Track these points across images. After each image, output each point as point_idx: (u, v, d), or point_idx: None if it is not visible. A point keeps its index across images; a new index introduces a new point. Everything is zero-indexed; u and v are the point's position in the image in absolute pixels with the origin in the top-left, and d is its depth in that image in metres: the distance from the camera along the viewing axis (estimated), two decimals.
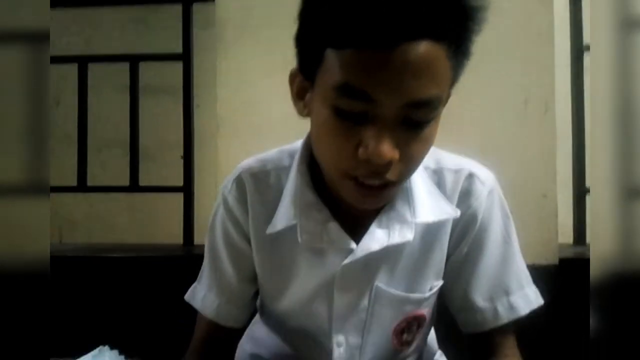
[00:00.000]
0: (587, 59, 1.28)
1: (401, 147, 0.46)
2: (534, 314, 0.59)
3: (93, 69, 1.41)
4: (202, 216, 1.36)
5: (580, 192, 1.28)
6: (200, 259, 0.66)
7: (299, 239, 0.55)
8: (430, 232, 0.57)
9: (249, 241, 0.60)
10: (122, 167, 1.42)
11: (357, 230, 0.55)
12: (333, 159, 0.49)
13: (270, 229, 0.57)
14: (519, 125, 1.10)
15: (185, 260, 1.18)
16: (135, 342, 1.17)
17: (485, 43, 0.48)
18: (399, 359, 0.63)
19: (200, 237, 1.34)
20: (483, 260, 0.58)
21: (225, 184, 0.61)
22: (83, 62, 1.41)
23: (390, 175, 0.47)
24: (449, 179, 0.57)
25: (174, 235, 1.38)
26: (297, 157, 0.58)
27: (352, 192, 0.49)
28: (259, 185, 0.59)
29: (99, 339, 1.20)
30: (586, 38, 1.27)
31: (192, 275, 0.67)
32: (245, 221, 0.60)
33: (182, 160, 1.39)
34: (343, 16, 0.43)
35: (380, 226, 0.54)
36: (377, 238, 0.54)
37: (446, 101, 0.50)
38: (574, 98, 1.28)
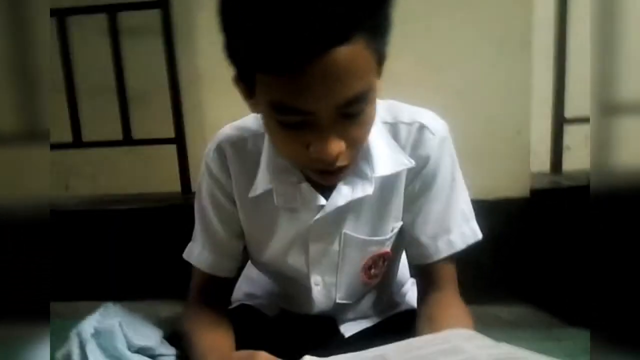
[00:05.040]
0: None
1: (345, 137, 0.50)
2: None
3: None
4: (194, 164, 1.42)
5: (558, 122, 1.31)
6: None
7: (275, 202, 0.61)
8: (388, 182, 0.63)
9: (234, 202, 0.67)
10: (116, 111, 1.45)
11: (326, 186, 0.61)
12: (289, 158, 0.55)
13: (252, 193, 0.63)
14: (495, 64, 1.11)
15: (185, 209, 1.26)
16: (140, 289, 1.27)
17: None
18: (370, 290, 0.72)
19: (195, 184, 1.40)
20: (429, 202, 0.64)
21: (207, 152, 0.66)
22: (61, 15, 1.39)
23: (343, 162, 0.52)
24: (403, 131, 0.62)
25: (172, 169, 1.45)
26: None
27: (314, 176, 0.55)
28: (238, 153, 0.64)
29: (106, 288, 1.30)
30: None
31: (191, 222, 0.72)
32: (229, 185, 0.66)
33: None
34: (257, 46, 0.44)
35: (345, 183, 0.61)
36: (343, 194, 0.61)
37: (379, 75, 0.51)
38: (557, 28, 1.27)
